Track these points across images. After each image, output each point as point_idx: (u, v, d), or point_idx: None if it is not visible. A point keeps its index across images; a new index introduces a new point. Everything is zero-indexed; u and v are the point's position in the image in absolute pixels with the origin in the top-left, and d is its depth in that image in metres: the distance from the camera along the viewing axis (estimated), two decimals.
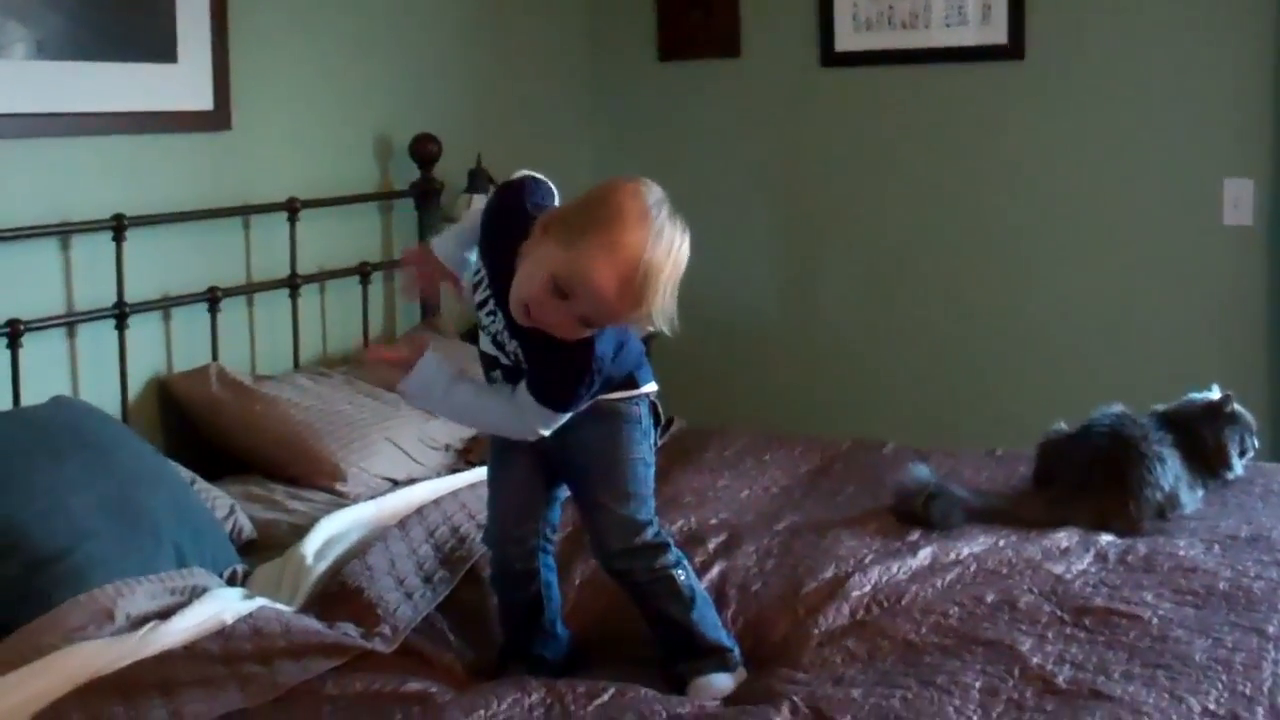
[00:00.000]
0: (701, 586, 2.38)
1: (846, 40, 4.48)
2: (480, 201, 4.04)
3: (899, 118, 4.49)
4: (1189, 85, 4.12)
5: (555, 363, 2.10)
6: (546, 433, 2.18)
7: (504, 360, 2.21)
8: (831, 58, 4.51)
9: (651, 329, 2.06)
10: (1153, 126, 4.18)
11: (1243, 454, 3.04)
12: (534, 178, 2.21)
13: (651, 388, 2.31)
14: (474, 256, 2.27)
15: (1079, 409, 3.07)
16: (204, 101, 3.37)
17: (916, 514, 2.77)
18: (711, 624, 2.30)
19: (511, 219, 2.13)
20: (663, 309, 2.01)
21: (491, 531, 2.42)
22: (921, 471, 2.89)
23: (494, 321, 2.19)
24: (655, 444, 2.36)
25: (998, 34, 4.29)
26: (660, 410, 2.34)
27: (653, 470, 2.32)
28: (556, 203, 2.19)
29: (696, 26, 4.66)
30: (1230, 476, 3.01)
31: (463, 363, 3.56)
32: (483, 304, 2.20)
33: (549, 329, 2.04)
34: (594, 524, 2.30)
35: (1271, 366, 4.10)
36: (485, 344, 2.25)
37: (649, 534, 2.28)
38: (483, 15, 4.33)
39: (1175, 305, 4.20)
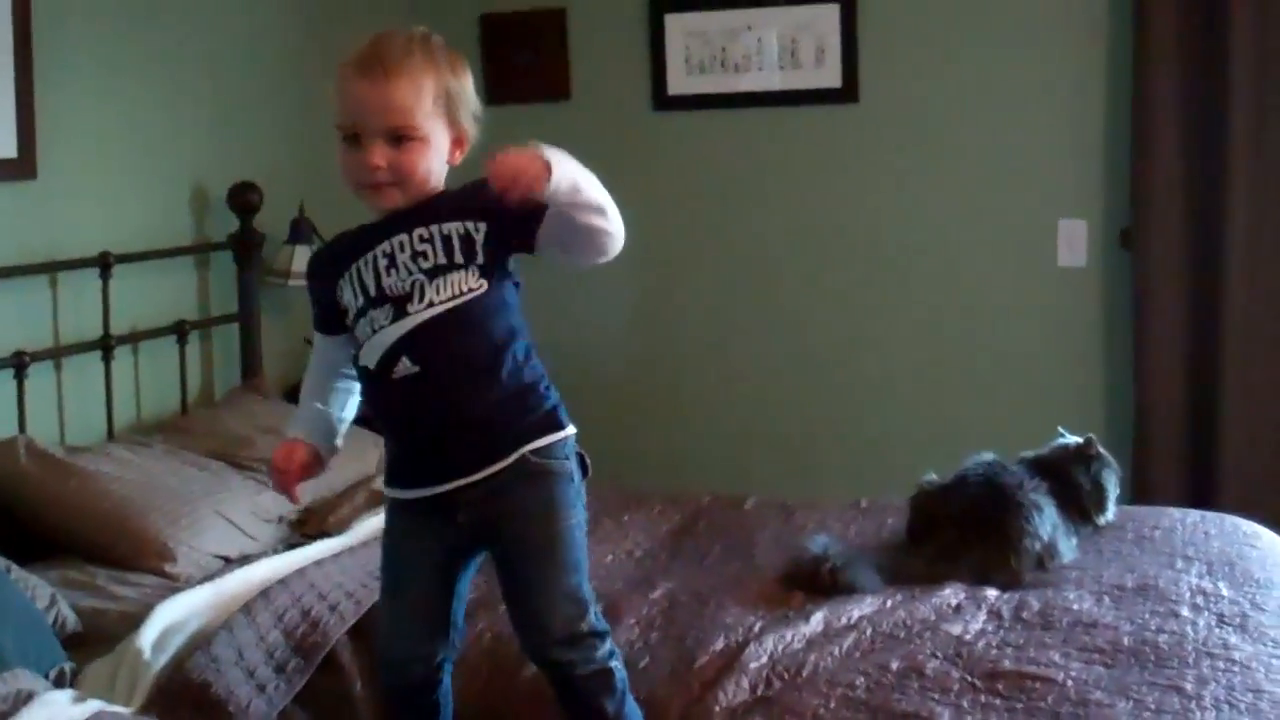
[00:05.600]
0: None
1: (679, 83, 4.38)
2: (304, 252, 3.81)
3: (734, 162, 4.39)
4: (1022, 128, 4.12)
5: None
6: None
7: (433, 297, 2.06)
8: (664, 101, 4.41)
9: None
10: (987, 169, 4.17)
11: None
12: None
13: (572, 430, 2.11)
14: (345, 411, 2.21)
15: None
16: (7, 149, 3.07)
17: (824, 583, 2.62)
18: (638, 717, 2.11)
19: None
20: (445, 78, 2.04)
21: (393, 649, 2.16)
22: (821, 542, 2.76)
23: (402, 281, 2.07)
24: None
25: (832, 78, 4.24)
26: (588, 461, 2.13)
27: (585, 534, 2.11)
28: None
29: (525, 69, 4.48)
30: (1101, 522, 2.97)
31: (279, 421, 3.32)
32: (376, 307, 2.07)
33: (395, 177, 2.04)
34: (532, 606, 2.05)
35: (1108, 408, 4.11)
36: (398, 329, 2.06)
37: (591, 617, 2.05)
38: (301, 59, 4.08)
39: (1013, 347, 4.19)
